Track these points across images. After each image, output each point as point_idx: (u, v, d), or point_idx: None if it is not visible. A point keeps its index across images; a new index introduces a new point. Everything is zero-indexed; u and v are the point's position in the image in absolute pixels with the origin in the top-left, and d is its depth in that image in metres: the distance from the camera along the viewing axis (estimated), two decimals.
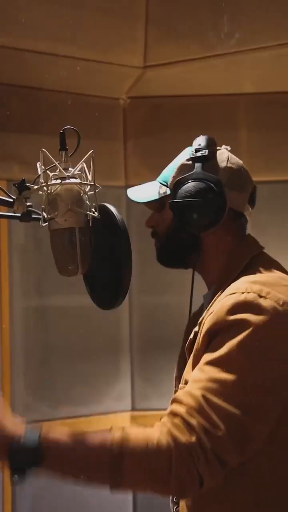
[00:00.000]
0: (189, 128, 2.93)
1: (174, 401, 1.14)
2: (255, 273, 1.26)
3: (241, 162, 1.39)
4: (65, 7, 2.48)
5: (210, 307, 1.26)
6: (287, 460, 1.18)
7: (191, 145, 1.39)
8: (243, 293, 1.18)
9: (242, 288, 1.20)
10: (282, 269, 1.33)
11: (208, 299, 1.32)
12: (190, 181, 1.30)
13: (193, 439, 1.06)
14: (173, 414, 1.11)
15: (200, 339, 1.21)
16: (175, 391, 1.32)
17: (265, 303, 1.16)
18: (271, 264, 1.31)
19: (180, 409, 1.11)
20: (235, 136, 2.98)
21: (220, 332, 1.17)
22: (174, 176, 1.36)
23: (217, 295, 1.27)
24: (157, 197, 1.39)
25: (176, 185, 1.32)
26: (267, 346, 1.14)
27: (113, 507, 2.77)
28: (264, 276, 1.25)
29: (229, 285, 1.26)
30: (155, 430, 1.10)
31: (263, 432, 1.13)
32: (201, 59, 2.67)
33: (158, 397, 2.89)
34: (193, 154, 1.34)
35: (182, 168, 1.35)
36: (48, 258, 1.18)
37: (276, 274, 1.27)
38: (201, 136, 1.38)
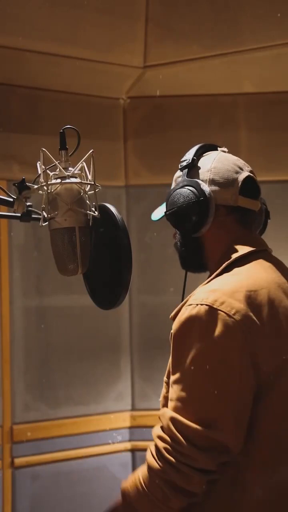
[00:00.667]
0: (189, 128, 2.94)
1: (159, 419, 1.29)
2: (227, 278, 1.30)
3: (232, 158, 1.42)
4: (65, 7, 2.48)
5: (179, 309, 1.33)
6: (254, 469, 1.24)
7: (191, 145, 1.44)
8: (197, 305, 1.25)
9: (199, 299, 1.26)
10: (273, 271, 1.35)
11: None
12: (175, 190, 1.37)
13: (161, 463, 1.22)
14: (155, 437, 1.28)
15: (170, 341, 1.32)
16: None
17: (215, 317, 1.22)
18: (254, 266, 1.33)
19: (156, 432, 1.28)
20: (235, 136, 2.99)
21: (176, 344, 1.28)
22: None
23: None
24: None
25: (167, 197, 1.40)
26: (217, 360, 1.21)
27: None
28: (230, 281, 1.29)
29: (201, 286, 1.33)
30: (141, 468, 1.30)
31: (234, 440, 1.21)
32: (201, 59, 2.67)
33: (158, 397, 2.89)
34: (180, 166, 1.42)
35: (176, 180, 1.44)
36: (48, 258, 1.18)
37: (248, 280, 1.29)
38: (195, 146, 1.44)
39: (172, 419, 1.23)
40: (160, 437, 1.25)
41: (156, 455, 1.24)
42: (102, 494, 2.81)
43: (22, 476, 2.71)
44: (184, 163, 1.40)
